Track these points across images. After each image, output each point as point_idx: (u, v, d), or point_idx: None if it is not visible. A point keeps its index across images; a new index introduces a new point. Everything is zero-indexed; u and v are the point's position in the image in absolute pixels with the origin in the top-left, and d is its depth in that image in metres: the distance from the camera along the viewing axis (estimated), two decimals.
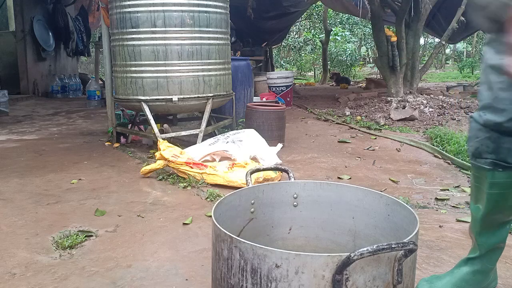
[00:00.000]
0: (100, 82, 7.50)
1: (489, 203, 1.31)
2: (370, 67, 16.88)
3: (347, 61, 14.28)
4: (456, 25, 6.14)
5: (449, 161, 3.28)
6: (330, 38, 13.48)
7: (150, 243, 1.93)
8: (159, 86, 3.40)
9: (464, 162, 3.13)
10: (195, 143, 3.35)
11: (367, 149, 3.78)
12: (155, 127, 3.43)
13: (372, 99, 6.25)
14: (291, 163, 3.28)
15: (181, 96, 3.41)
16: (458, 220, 2.18)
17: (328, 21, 13.47)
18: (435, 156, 3.47)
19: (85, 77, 9.38)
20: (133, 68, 3.44)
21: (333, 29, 14.49)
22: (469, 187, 2.69)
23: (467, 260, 1.42)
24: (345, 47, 14.64)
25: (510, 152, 1.25)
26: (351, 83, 11.47)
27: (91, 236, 2.00)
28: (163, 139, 3.19)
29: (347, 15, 14.16)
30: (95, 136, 4.43)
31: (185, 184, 2.73)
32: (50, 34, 8.67)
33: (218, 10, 3.53)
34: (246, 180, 1.40)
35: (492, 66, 1.25)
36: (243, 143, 3.01)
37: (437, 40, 11.25)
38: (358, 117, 5.24)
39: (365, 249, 0.88)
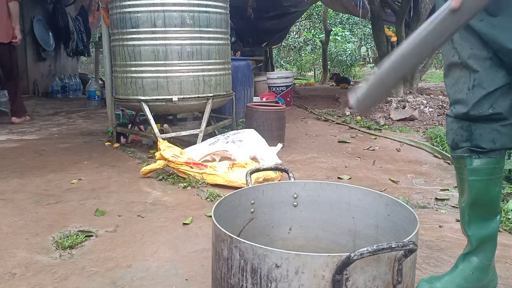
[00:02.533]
0: (100, 82, 7.49)
1: (471, 192, 1.36)
2: (370, 67, 16.88)
3: (347, 61, 14.27)
4: None
5: (449, 161, 3.28)
6: (330, 38, 13.47)
7: (150, 243, 1.93)
8: (159, 86, 3.40)
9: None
10: (195, 143, 3.35)
11: (367, 149, 3.78)
12: (155, 127, 3.43)
13: None
14: (291, 163, 3.28)
15: (181, 96, 3.41)
16: (458, 220, 2.18)
17: (328, 21, 13.46)
18: (435, 156, 3.47)
19: (85, 77, 9.37)
20: (133, 68, 3.44)
21: (333, 29, 14.49)
22: None
23: (463, 257, 1.43)
24: (345, 47, 14.63)
25: (482, 138, 1.32)
26: (351, 83, 11.47)
27: (91, 236, 2.00)
28: (163, 139, 3.19)
29: (347, 15, 14.17)
30: (95, 136, 4.43)
31: (185, 184, 2.73)
32: (50, 34, 8.67)
33: (218, 10, 3.53)
34: (246, 180, 1.41)
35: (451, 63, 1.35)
36: (243, 143, 3.01)
37: None
38: (358, 117, 5.24)
39: (365, 249, 0.89)
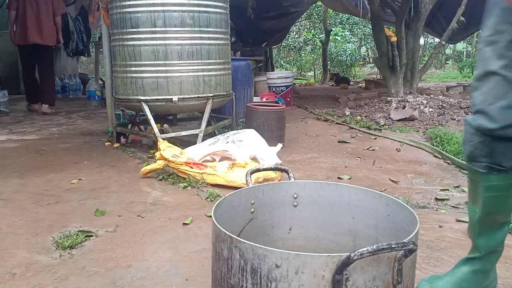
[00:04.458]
0: (100, 82, 7.49)
1: (485, 206, 1.32)
2: (370, 67, 16.89)
3: (347, 61, 14.27)
4: (456, 25, 6.14)
5: (449, 161, 3.28)
6: (330, 38, 13.48)
7: (150, 243, 1.93)
8: (159, 86, 3.40)
9: (464, 162, 3.13)
10: (195, 143, 3.35)
11: (367, 149, 3.78)
12: (155, 127, 3.43)
13: (372, 99, 6.25)
14: (291, 163, 3.28)
15: (181, 96, 3.41)
16: (458, 220, 2.18)
17: (328, 21, 13.46)
18: (435, 156, 3.47)
19: (85, 77, 9.36)
20: (133, 68, 3.44)
21: (333, 29, 14.49)
22: None
23: (466, 260, 1.42)
24: (345, 47, 14.63)
25: (504, 156, 1.24)
26: (351, 83, 11.47)
27: (91, 236, 2.00)
28: (163, 139, 3.19)
29: (347, 15, 14.16)
30: (95, 136, 4.43)
31: (185, 184, 2.73)
32: None
33: (218, 10, 3.53)
34: (246, 180, 1.41)
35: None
36: (243, 143, 3.01)
37: (437, 40, 11.25)
38: (358, 117, 5.24)
39: (365, 249, 0.89)
